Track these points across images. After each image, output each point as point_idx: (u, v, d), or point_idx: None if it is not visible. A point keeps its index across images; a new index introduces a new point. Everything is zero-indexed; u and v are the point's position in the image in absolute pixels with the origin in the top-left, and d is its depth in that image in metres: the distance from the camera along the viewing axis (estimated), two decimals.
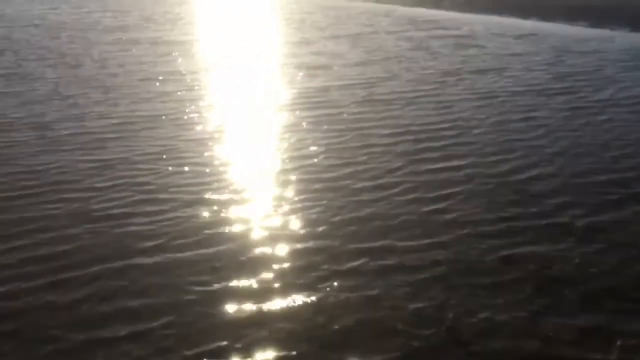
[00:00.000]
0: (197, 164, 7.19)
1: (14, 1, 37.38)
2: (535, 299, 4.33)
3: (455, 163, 7.12)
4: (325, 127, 8.90)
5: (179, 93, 11.20)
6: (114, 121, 9.07)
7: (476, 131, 8.45)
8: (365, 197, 6.18)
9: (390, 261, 4.86)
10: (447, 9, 32.41)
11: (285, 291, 4.45)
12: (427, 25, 23.64)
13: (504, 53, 16.13)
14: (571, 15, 26.89)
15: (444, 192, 6.25)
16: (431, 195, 6.18)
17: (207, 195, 6.18)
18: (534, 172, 6.84)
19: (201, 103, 10.44)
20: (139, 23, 24.45)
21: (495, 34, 20.51)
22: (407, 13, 29.83)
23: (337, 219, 5.64)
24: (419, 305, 4.27)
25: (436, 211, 5.80)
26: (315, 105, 10.26)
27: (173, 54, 16.15)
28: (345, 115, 9.61)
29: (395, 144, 7.92)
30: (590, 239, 5.21)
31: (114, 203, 6.01)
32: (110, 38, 19.25)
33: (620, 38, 19.29)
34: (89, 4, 35.62)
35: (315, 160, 7.36)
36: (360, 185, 6.48)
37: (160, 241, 5.18)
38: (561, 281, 4.55)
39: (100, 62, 14.66)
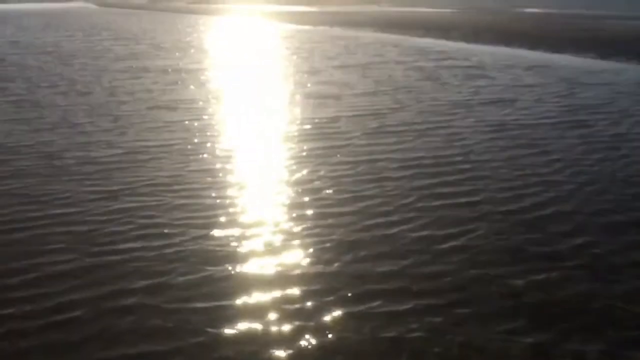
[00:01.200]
0: (204, 195, 7.04)
1: (30, 29, 38.09)
2: (561, 342, 4.10)
3: (468, 199, 6.92)
4: (336, 158, 8.76)
5: (186, 122, 11.15)
6: (121, 150, 8.98)
7: (489, 165, 8.28)
8: (377, 233, 5.99)
9: (404, 304, 4.64)
10: (454, 39, 32.66)
11: (295, 335, 4.23)
12: (436, 55, 23.73)
13: (515, 84, 16.06)
14: (579, 47, 26.95)
15: (457, 229, 6.05)
16: (445, 232, 5.98)
17: (214, 230, 6.01)
18: (549, 210, 6.62)
19: (209, 132, 10.36)
20: (150, 51, 24.70)
21: (504, 65, 20.51)
22: (416, 43, 30.04)
23: (348, 257, 5.44)
24: (438, 349, 4.05)
25: (451, 250, 5.59)
26: (325, 136, 10.15)
27: (182, 82, 16.21)
28: (355, 147, 9.48)
29: (408, 177, 7.75)
30: (612, 280, 4.99)
31: (119, 237, 5.84)
32: (121, 66, 19.41)
33: (631, 71, 19.22)
34: (101, 32, 36.19)
35: (326, 193, 7.20)
36: (372, 221, 6.29)
37: (165, 279, 4.99)
38: (586, 327, 4.32)
39: (110, 89, 14.71)
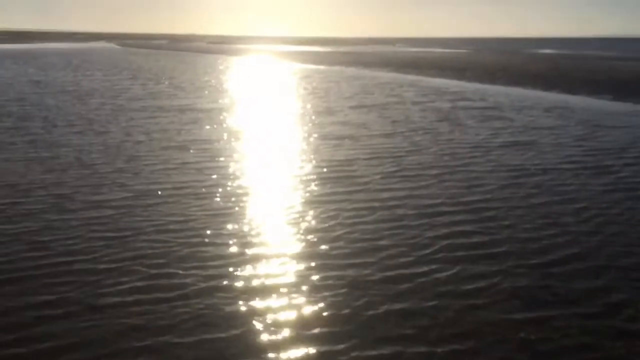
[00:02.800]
0: (214, 242, 6.80)
1: (52, 68, 38.97)
2: None
3: (489, 251, 6.55)
4: (352, 202, 8.52)
5: (200, 163, 11.03)
6: (133, 193, 8.82)
7: (511, 213, 7.94)
8: (394, 286, 5.67)
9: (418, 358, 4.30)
10: (469, 80, 32.70)
11: None
12: (452, 96, 23.66)
13: (533, 126, 15.81)
14: (595, 88, 26.73)
15: (478, 284, 5.69)
16: (466, 287, 5.63)
17: (223, 281, 5.74)
18: (576, 265, 6.25)
19: (222, 173, 10.21)
20: (168, 91, 24.97)
21: (521, 106, 20.33)
22: (432, 83, 30.09)
23: (368, 313, 5.11)
24: None
25: (471, 308, 5.24)
26: (342, 179, 9.93)
27: (198, 122, 16.22)
28: (372, 190, 9.24)
29: (426, 225, 7.45)
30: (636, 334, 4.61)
31: (123, 287, 5.59)
32: (138, 105, 19.57)
33: None
34: (121, 72, 36.89)
35: (342, 241, 6.92)
36: (390, 272, 5.98)
37: (168, 336, 4.70)
38: None
39: (126, 129, 14.74)
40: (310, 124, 16.06)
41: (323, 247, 6.68)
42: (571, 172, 10.32)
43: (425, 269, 6.06)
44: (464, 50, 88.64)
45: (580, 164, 10.99)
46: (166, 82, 29.11)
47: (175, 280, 5.74)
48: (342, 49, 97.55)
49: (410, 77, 33.85)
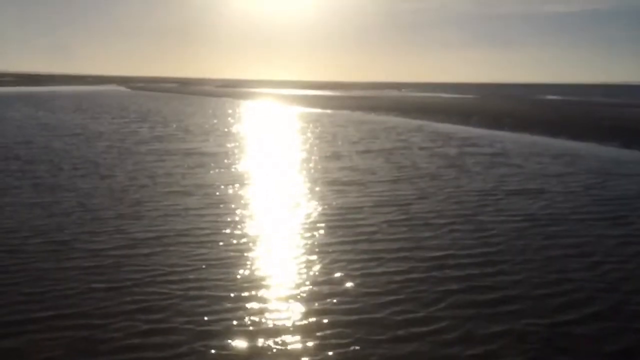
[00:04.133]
0: (213, 294, 6.55)
1: (61, 111, 39.52)
2: None
3: (501, 309, 6.23)
4: (359, 250, 8.29)
5: (203, 209, 10.87)
6: (132, 239, 8.64)
7: (522, 267, 7.64)
8: (403, 333, 5.41)
9: None
10: (476, 125, 32.73)
11: None
12: (459, 141, 23.60)
13: (541, 173, 15.62)
14: (602, 135, 26.58)
15: (489, 346, 5.39)
16: (476, 350, 5.33)
17: (223, 326, 5.48)
18: (594, 325, 5.93)
19: (226, 219, 10.02)
20: (176, 134, 25.09)
21: (529, 152, 20.19)
22: (438, 129, 30.13)
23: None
24: None
25: (481, 357, 4.94)
26: (349, 225, 9.73)
27: (204, 166, 16.16)
28: (380, 237, 9.01)
29: (435, 278, 7.17)
30: None
31: (121, 333, 5.35)
32: (145, 148, 19.61)
33: None
34: (129, 114, 37.31)
35: (350, 288, 6.68)
36: (397, 318, 5.72)
37: None
38: None
39: (131, 173, 14.68)
40: (317, 169, 15.95)
41: (328, 300, 6.41)
42: (584, 223, 10.05)
43: (433, 327, 5.76)
44: (470, 96, 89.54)
45: (592, 214, 10.73)
46: (174, 125, 29.32)
47: (172, 337, 5.47)
48: (348, 93, 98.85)
49: (417, 122, 33.98)
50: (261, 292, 6.66)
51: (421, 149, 20.97)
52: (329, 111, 45.27)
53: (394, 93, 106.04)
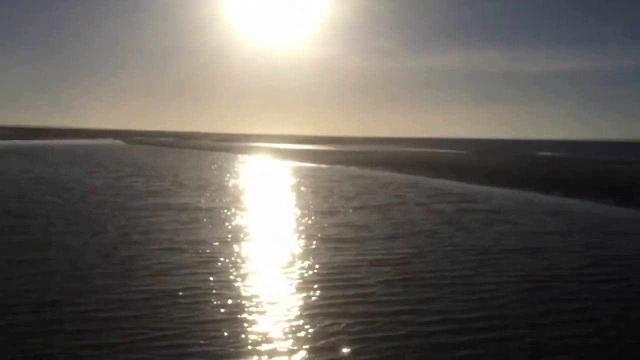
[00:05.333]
0: (206, 354, 6.24)
1: (57, 165, 39.45)
2: None
3: None
4: (355, 310, 8.02)
5: (197, 266, 10.60)
6: (121, 300, 8.34)
7: (524, 332, 7.37)
8: None
9: None
10: (470, 181, 32.79)
11: None
12: (454, 197, 23.55)
13: (538, 231, 15.48)
14: (596, 192, 26.55)
15: None
16: None
17: None
18: None
19: (219, 278, 9.75)
20: (171, 188, 24.94)
21: (524, 209, 20.10)
22: (433, 184, 30.14)
23: None
24: None
25: None
26: (344, 284, 9.48)
27: (198, 221, 15.95)
28: (376, 297, 8.76)
29: (435, 338, 6.91)
30: None
31: None
32: (139, 203, 19.41)
33: None
34: (125, 168, 37.25)
35: (346, 354, 6.37)
36: None
37: None
38: None
39: (124, 229, 14.44)
40: (312, 225, 15.76)
41: (325, 358, 6.11)
42: (587, 285, 9.82)
43: None
44: (463, 151, 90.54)
45: (595, 276, 10.51)
46: (169, 180, 29.24)
47: None
48: (343, 148, 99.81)
49: (412, 178, 34.08)
50: (255, 357, 6.35)
51: (417, 205, 20.88)
52: (324, 166, 45.48)
53: (388, 148, 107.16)
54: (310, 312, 8.01)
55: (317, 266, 10.83)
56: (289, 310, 8.13)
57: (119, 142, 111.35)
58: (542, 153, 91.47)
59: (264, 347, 6.69)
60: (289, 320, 7.67)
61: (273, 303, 8.48)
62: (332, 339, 6.99)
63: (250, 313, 7.98)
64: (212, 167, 41.04)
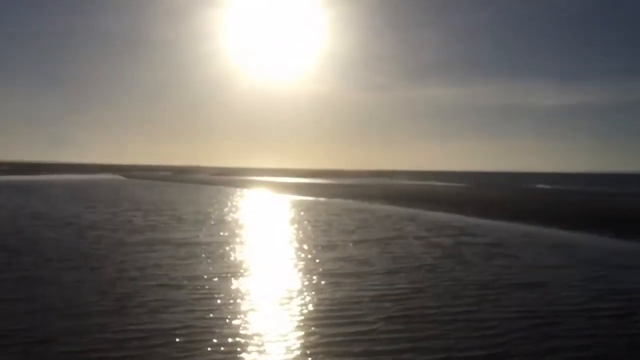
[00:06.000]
0: None
1: (55, 200, 39.31)
2: None
3: None
4: (357, 349, 7.85)
5: (195, 303, 10.43)
6: (116, 339, 8.15)
7: None
8: None
9: None
10: (469, 214, 32.67)
11: None
12: (453, 231, 23.43)
13: (539, 265, 15.34)
14: (594, 224, 26.38)
15: None
16: None
17: None
18: None
19: (218, 315, 9.58)
20: (169, 223, 24.77)
21: (524, 243, 19.97)
22: (431, 217, 30.03)
23: None
24: None
25: None
26: (345, 321, 9.32)
27: (196, 256, 15.79)
28: (377, 334, 8.60)
29: None
30: None
31: None
32: (137, 239, 19.26)
33: None
34: (123, 203, 37.09)
35: None
36: None
37: None
38: None
39: (121, 264, 14.27)
40: (312, 260, 15.61)
41: None
42: (591, 320, 9.67)
43: None
44: (460, 184, 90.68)
45: (599, 311, 10.36)
46: (167, 214, 29.12)
47: None
48: (341, 181, 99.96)
49: (410, 211, 34.00)
50: None
51: (417, 238, 20.75)
52: (322, 199, 45.43)
53: (386, 181, 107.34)
54: (311, 351, 7.84)
55: (317, 302, 10.67)
56: (289, 349, 7.96)
57: (117, 176, 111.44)
58: (539, 185, 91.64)
59: None
60: (289, 356, 7.49)
61: (273, 341, 8.31)
62: None
63: (250, 352, 7.81)
64: (211, 201, 40.95)
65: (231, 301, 10.71)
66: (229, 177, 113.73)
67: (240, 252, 16.98)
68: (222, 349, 7.88)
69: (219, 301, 10.69)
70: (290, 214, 31.51)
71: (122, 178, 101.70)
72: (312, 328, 8.93)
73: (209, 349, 7.88)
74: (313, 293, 11.46)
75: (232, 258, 15.80)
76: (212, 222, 25.68)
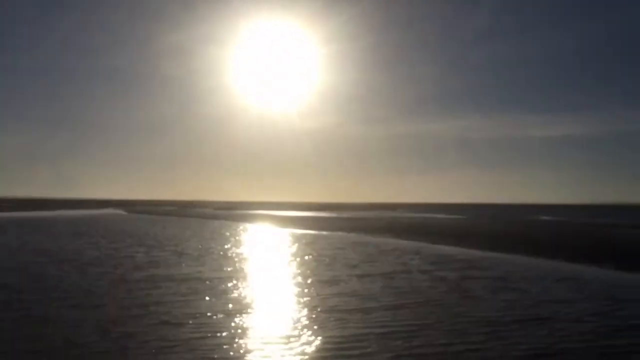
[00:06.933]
0: None
1: (59, 236, 39.22)
2: None
3: None
4: None
5: (197, 341, 10.25)
6: None
7: None
8: None
9: None
10: (474, 247, 32.38)
11: None
12: (458, 264, 23.18)
13: (547, 299, 15.10)
14: (600, 257, 26.04)
15: None
16: None
17: None
18: None
19: (220, 354, 9.39)
20: (172, 258, 24.60)
21: (530, 276, 19.71)
22: (437, 251, 29.77)
23: None
24: None
25: None
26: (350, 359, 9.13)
27: (199, 292, 15.61)
28: None
29: None
30: None
31: None
32: (140, 275, 19.09)
33: None
34: (125, 239, 36.95)
35: None
36: None
37: None
38: None
39: (123, 302, 14.11)
40: (316, 295, 15.41)
41: None
42: (597, 354, 9.47)
43: None
44: (463, 216, 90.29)
45: (612, 348, 10.12)
46: (170, 249, 28.95)
47: None
48: (344, 214, 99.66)
49: (414, 244, 33.76)
50: None
51: (421, 272, 20.53)
52: (325, 233, 45.19)
53: (389, 214, 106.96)
54: None
55: (323, 340, 10.48)
56: None
57: (120, 211, 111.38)
58: (541, 217, 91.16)
59: None
60: None
61: None
62: None
63: None
64: (214, 236, 40.76)
65: (235, 339, 10.53)
66: (233, 211, 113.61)
67: (244, 288, 16.78)
68: None
69: (222, 339, 10.51)
70: (294, 247, 31.30)
71: (125, 213, 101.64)
72: None
73: None
74: (318, 330, 11.27)
75: (235, 294, 15.61)
76: (215, 257, 25.50)
